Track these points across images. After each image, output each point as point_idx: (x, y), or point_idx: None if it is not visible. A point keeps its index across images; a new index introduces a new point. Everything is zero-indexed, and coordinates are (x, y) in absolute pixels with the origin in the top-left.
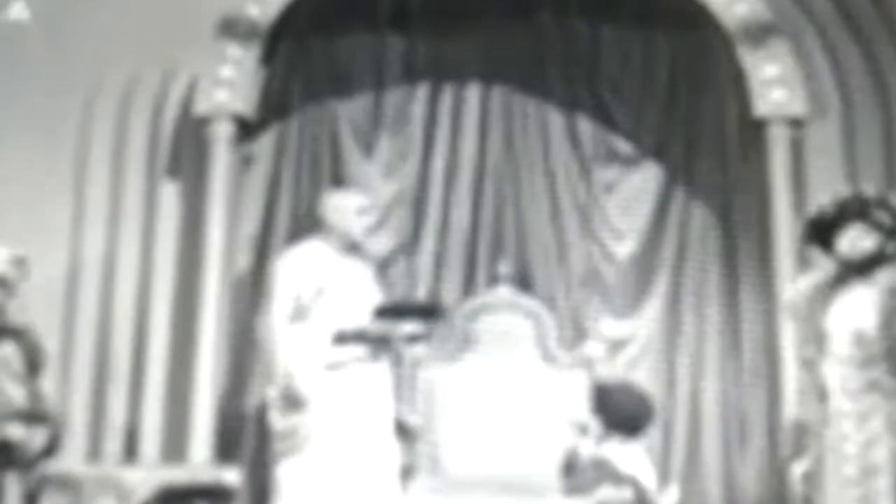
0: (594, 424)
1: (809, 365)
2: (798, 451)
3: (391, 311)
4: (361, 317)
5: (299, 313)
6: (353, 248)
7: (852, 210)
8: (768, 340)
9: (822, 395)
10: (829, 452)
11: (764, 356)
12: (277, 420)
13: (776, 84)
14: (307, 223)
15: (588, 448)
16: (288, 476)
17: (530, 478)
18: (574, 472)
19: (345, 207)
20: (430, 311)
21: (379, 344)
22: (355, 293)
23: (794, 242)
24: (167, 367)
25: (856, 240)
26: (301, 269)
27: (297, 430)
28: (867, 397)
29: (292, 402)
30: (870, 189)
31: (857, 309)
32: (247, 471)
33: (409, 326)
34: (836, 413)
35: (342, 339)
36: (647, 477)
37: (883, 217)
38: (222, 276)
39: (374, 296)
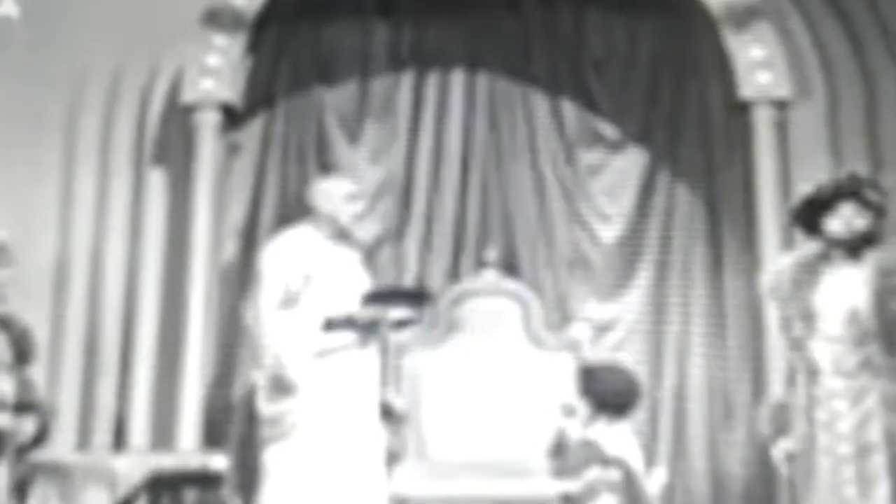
0: (582, 406)
1: (797, 344)
2: (780, 431)
3: (379, 297)
4: (350, 303)
5: (288, 300)
6: (341, 234)
7: (847, 189)
8: (753, 322)
9: (811, 374)
10: (821, 432)
11: (749, 338)
12: (264, 406)
13: (761, 66)
14: (294, 211)
15: (576, 430)
16: (274, 462)
17: (517, 461)
18: (562, 454)
19: (333, 194)
20: (417, 297)
21: (367, 330)
22: (343, 280)
23: (779, 224)
24: (155, 356)
25: (850, 219)
26: (289, 255)
27: (284, 416)
28: (861, 376)
29: (281, 388)
30: (859, 169)
31: (848, 288)
32: (235, 457)
33: (397, 312)
34: (828, 392)
35: (331, 325)
36: (635, 458)
37: (874, 196)
38: (209, 265)
39: (363, 282)
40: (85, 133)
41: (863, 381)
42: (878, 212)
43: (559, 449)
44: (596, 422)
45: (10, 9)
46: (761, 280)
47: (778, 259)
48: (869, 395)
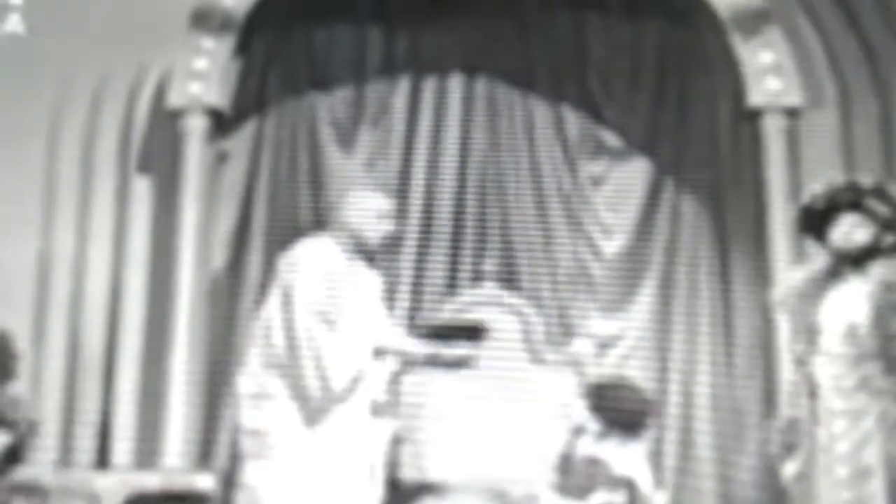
0: (591, 424)
1: (799, 362)
2: (789, 449)
3: (432, 333)
4: (364, 332)
5: (323, 315)
6: (364, 254)
7: (845, 199)
8: (763, 336)
9: (812, 392)
10: (820, 452)
11: (759, 352)
12: (247, 418)
13: (771, 73)
14: (285, 220)
15: (585, 447)
16: (254, 479)
17: (517, 482)
18: (568, 472)
19: (365, 208)
20: (472, 332)
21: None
22: (360, 307)
23: (789, 237)
24: (140, 370)
25: (848, 231)
26: (316, 266)
27: (267, 431)
28: (860, 396)
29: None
30: (866, 178)
31: (850, 303)
32: (224, 477)
33: (455, 350)
34: (827, 412)
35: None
36: (644, 480)
37: (879, 207)
38: (197, 276)
39: (377, 310)
40: (68, 138)
41: (860, 401)
42: (887, 223)
43: (566, 466)
44: (606, 440)
45: (17, 25)
46: (772, 293)
47: (790, 272)
48: (867, 416)
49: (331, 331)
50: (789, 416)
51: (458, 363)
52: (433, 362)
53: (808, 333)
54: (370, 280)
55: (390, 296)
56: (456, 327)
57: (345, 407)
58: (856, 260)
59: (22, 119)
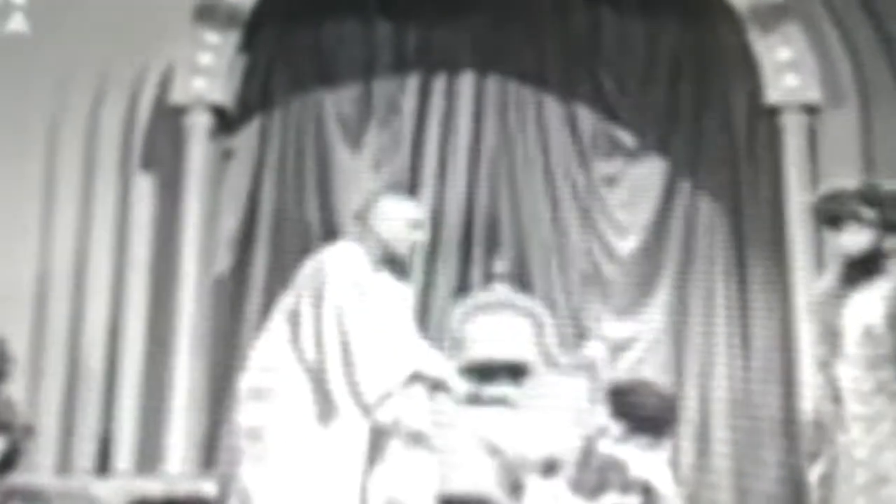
0: (614, 426)
1: (823, 366)
2: (816, 453)
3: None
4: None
5: (352, 325)
6: (393, 264)
7: (829, 210)
8: (782, 337)
9: (836, 397)
10: (842, 457)
11: (777, 354)
12: (244, 416)
13: (789, 69)
14: (292, 220)
15: (604, 448)
16: (249, 480)
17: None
18: (585, 468)
19: (397, 217)
20: (515, 370)
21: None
22: (391, 315)
23: (808, 236)
24: (142, 374)
25: (849, 238)
26: (345, 272)
27: (265, 431)
28: (877, 400)
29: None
30: (850, 182)
31: (866, 306)
32: (224, 481)
33: (495, 390)
34: (850, 416)
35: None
36: (665, 485)
37: (865, 212)
38: (200, 277)
39: (408, 326)
40: (69, 136)
41: (878, 405)
42: (880, 226)
43: (585, 461)
44: (627, 443)
45: (21, 24)
46: (806, 303)
47: (817, 280)
48: (884, 421)
49: (363, 341)
50: (815, 420)
51: (498, 402)
52: (473, 401)
53: (831, 337)
54: (401, 293)
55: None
56: (498, 365)
57: (368, 420)
58: (865, 264)
59: (22, 117)
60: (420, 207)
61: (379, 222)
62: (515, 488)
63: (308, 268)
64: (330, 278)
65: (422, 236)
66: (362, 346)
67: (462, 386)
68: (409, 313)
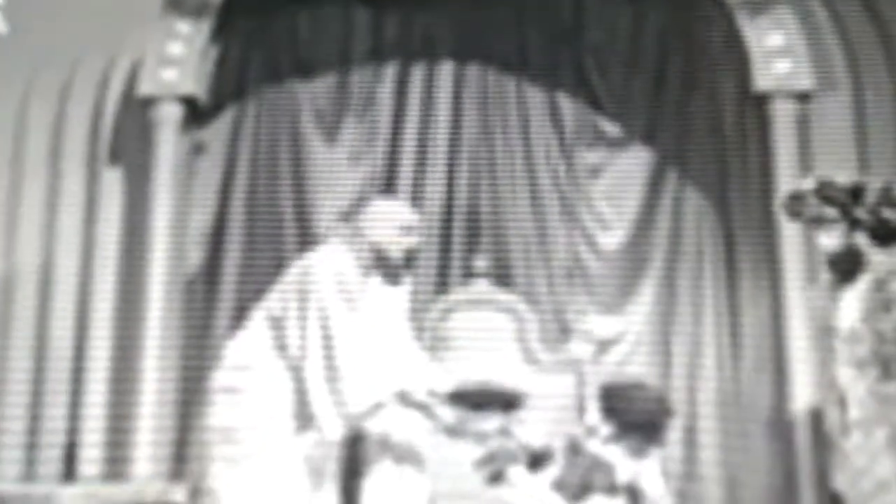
0: (604, 426)
1: (824, 368)
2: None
3: (463, 397)
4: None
5: (338, 329)
6: (385, 269)
7: (796, 214)
8: (773, 333)
9: (841, 401)
10: (848, 462)
11: (768, 350)
12: (215, 417)
13: (779, 55)
14: (265, 216)
15: (592, 448)
16: (219, 482)
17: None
18: (571, 468)
19: (389, 220)
20: (508, 400)
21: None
22: (380, 327)
23: (799, 228)
24: (109, 376)
25: (825, 237)
26: (333, 277)
27: (236, 432)
28: (869, 404)
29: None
30: (809, 182)
31: (849, 305)
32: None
33: (485, 423)
34: (852, 422)
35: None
36: (654, 489)
37: (829, 212)
38: (170, 274)
39: (399, 330)
40: (34, 130)
41: (871, 411)
42: (851, 223)
43: (569, 463)
44: (616, 444)
45: (0, 25)
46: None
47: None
48: (879, 427)
49: (348, 350)
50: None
51: (482, 438)
52: (456, 433)
53: (828, 338)
54: (393, 298)
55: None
56: (490, 394)
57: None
58: (848, 262)
59: None
60: (412, 211)
61: (369, 226)
62: (495, 478)
63: (294, 273)
64: (316, 285)
65: (414, 240)
66: (347, 355)
67: (447, 414)
68: (404, 319)
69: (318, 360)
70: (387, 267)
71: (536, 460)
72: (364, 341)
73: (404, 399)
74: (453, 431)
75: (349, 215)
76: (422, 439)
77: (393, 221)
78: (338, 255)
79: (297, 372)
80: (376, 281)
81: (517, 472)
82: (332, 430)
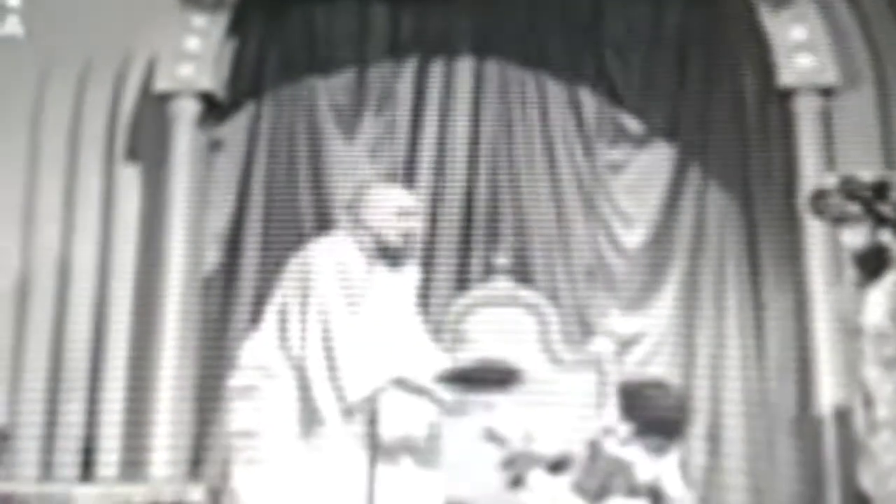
0: (622, 426)
1: (851, 367)
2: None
3: (459, 375)
4: (394, 343)
5: (339, 321)
6: (387, 255)
7: (820, 212)
8: (797, 332)
9: (868, 401)
10: (876, 462)
11: (793, 349)
12: (234, 417)
13: (803, 49)
14: (284, 213)
15: (610, 448)
16: (241, 483)
17: None
18: (590, 470)
19: (387, 206)
20: (505, 376)
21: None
22: (386, 314)
23: (825, 226)
24: (126, 375)
25: (849, 235)
26: (334, 267)
27: (257, 433)
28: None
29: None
30: (831, 179)
31: (875, 304)
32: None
33: (485, 397)
34: (880, 421)
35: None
36: (674, 489)
37: (852, 208)
38: (187, 273)
39: (404, 316)
40: (51, 127)
41: None
42: (874, 219)
43: (588, 464)
44: (635, 444)
45: (16, 27)
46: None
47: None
48: None
49: (351, 337)
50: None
51: (485, 409)
52: (457, 412)
53: (855, 338)
54: (398, 284)
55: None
56: (485, 370)
57: (353, 423)
58: (874, 259)
59: (4, 107)
60: (411, 195)
61: (369, 213)
62: (515, 482)
63: (296, 264)
64: (316, 276)
65: (415, 224)
66: (346, 347)
67: (447, 395)
68: (410, 304)
69: (318, 352)
70: (388, 253)
71: (557, 464)
72: (366, 330)
73: (403, 385)
74: (453, 411)
75: (350, 204)
76: (442, 442)
77: (390, 206)
78: (338, 245)
79: (299, 365)
80: (380, 268)
81: (537, 476)
82: (341, 425)
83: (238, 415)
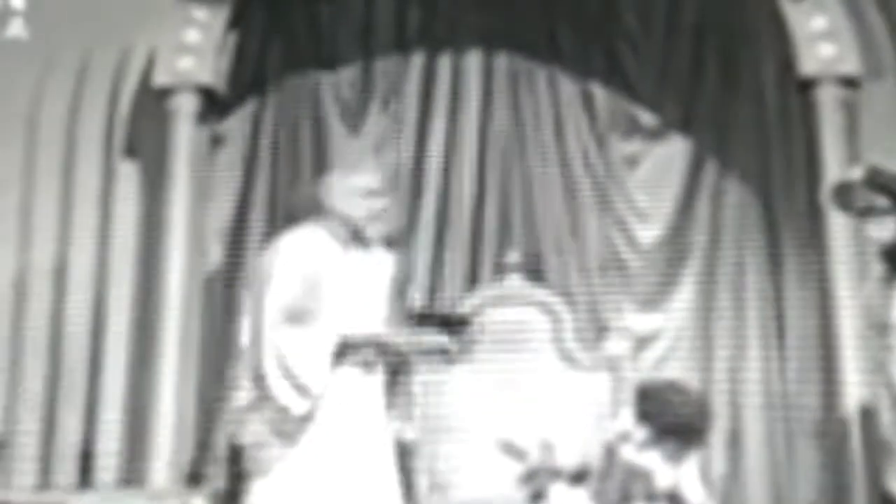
0: (638, 431)
1: (879, 366)
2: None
3: (408, 322)
4: (371, 322)
5: (296, 314)
6: (359, 238)
7: (845, 205)
8: (821, 330)
9: (895, 400)
10: None
11: (815, 347)
12: (247, 433)
13: (824, 38)
14: (287, 210)
15: (627, 455)
16: (258, 498)
17: None
18: (607, 477)
19: (349, 189)
20: (452, 323)
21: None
22: (362, 295)
23: (848, 220)
24: (126, 379)
25: (875, 228)
26: (299, 262)
27: (269, 443)
28: None
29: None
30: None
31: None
32: (221, 499)
33: (436, 340)
34: None
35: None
36: (694, 495)
37: (879, 200)
38: (189, 274)
39: (379, 297)
40: (48, 123)
41: None
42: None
43: (605, 473)
44: (652, 449)
45: (20, 30)
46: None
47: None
48: None
49: (303, 331)
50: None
51: (438, 352)
52: (412, 350)
53: (881, 335)
54: (375, 266)
55: (402, 292)
56: (436, 317)
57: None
58: (893, 256)
59: (4, 108)
60: (374, 175)
61: (334, 198)
62: (536, 497)
63: (263, 260)
64: (274, 273)
65: (380, 205)
66: (301, 350)
67: (397, 337)
68: (386, 285)
69: (272, 360)
70: (360, 236)
71: (577, 476)
72: (333, 315)
73: (351, 344)
74: (407, 350)
75: (317, 193)
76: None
77: (355, 189)
78: (308, 238)
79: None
80: (358, 253)
81: (559, 490)
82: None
83: (249, 425)
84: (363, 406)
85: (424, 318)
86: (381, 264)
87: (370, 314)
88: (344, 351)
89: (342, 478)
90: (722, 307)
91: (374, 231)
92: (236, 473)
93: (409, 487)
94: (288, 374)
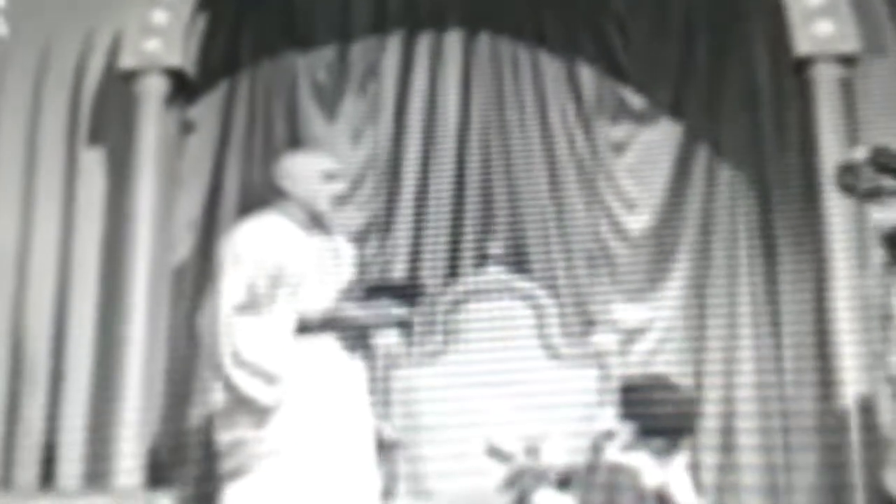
0: (622, 429)
1: (879, 357)
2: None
3: (360, 295)
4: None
5: (251, 304)
6: (317, 222)
7: (850, 187)
8: (817, 321)
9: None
10: None
11: (812, 338)
12: (221, 432)
13: (821, 15)
14: (260, 199)
15: (611, 454)
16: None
17: None
18: (592, 479)
19: (307, 172)
20: (407, 292)
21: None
22: (323, 278)
23: (846, 207)
24: (90, 375)
25: (880, 212)
26: (254, 249)
27: (246, 442)
28: None
29: (244, 408)
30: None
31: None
32: (189, 499)
33: (390, 311)
34: None
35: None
36: (683, 495)
37: (886, 181)
38: (157, 265)
39: (348, 277)
40: (8, 108)
41: None
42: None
43: (589, 474)
44: (638, 448)
45: (1, 28)
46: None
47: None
48: None
49: (259, 318)
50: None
51: (397, 324)
52: (370, 323)
53: (883, 326)
54: (327, 248)
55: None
56: (389, 288)
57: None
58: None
59: None
60: (330, 158)
61: (291, 182)
62: (521, 500)
63: (220, 250)
64: (228, 263)
65: (338, 188)
66: (257, 337)
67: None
68: (346, 271)
69: (229, 334)
70: (317, 220)
71: (564, 480)
72: (290, 301)
73: (310, 324)
74: (364, 323)
75: (273, 178)
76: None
77: (312, 172)
78: (264, 227)
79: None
80: (318, 238)
81: (544, 495)
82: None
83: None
84: (340, 394)
85: (377, 291)
86: (339, 253)
87: (327, 300)
88: (303, 330)
89: (320, 474)
90: (714, 298)
91: (341, 220)
92: (208, 473)
93: (388, 486)
94: (243, 363)
